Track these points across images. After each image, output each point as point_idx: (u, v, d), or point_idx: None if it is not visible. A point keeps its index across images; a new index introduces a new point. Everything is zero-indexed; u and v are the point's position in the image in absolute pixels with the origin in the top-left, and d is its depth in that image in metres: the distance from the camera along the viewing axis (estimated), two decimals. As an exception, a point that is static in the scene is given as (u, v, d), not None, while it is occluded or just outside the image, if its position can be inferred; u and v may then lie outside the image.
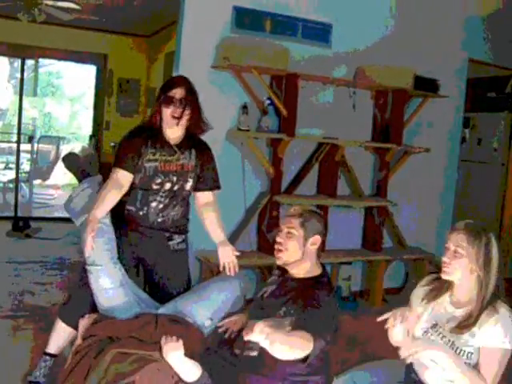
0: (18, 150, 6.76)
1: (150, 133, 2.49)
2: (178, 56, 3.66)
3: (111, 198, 2.39)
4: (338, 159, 4.04)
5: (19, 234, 5.48)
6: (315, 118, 4.03)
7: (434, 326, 1.99)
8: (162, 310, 2.36)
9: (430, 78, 4.22)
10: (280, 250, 2.16)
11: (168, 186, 2.50)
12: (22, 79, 6.78)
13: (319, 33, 4.01)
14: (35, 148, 7.30)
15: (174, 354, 2.00)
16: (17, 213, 6.37)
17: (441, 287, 2.03)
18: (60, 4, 5.05)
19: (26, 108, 7.60)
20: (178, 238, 2.61)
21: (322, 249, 2.22)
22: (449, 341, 1.92)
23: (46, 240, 5.37)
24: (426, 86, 4.20)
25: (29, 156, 7.47)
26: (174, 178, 2.50)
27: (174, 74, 3.73)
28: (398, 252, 4.38)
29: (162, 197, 2.50)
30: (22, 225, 5.58)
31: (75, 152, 3.02)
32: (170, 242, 2.58)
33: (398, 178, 4.35)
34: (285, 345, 1.81)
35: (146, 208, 2.49)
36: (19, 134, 6.71)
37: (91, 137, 7.91)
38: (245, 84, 3.79)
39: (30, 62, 7.89)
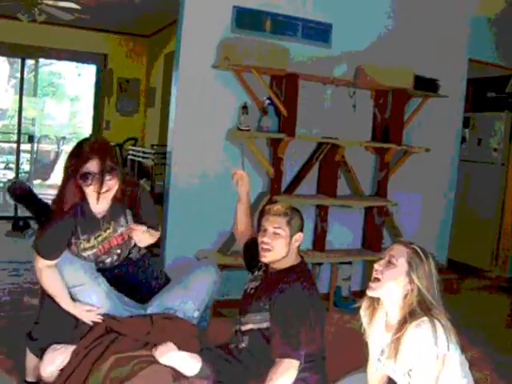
0: (18, 150, 6.77)
1: (75, 214, 2.19)
2: (178, 56, 3.66)
3: (59, 285, 2.20)
4: (338, 159, 4.03)
5: (19, 234, 5.48)
6: (315, 118, 4.03)
7: (382, 352, 1.94)
8: (150, 310, 2.34)
9: (430, 78, 4.22)
10: (267, 250, 2.17)
11: (115, 258, 2.37)
12: (21, 79, 6.78)
13: (319, 33, 4.01)
14: (35, 148, 7.30)
15: (168, 355, 2.01)
16: (17, 213, 6.37)
17: (372, 307, 1.97)
18: (60, 4, 5.04)
19: (26, 108, 7.59)
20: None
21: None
22: (392, 370, 1.88)
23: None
24: (426, 86, 4.19)
25: (29, 156, 7.47)
26: (118, 251, 2.35)
27: (174, 74, 3.73)
28: (398, 252, 4.38)
29: (112, 264, 2.39)
30: (21, 225, 5.58)
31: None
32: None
33: (398, 178, 4.34)
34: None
35: (100, 264, 2.38)
36: (19, 134, 6.72)
37: (91, 137, 7.90)
38: (245, 84, 3.79)
39: (29, 62, 7.87)
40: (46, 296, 2.30)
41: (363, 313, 2.01)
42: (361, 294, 4.37)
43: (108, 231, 2.27)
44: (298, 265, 2.23)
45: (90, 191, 2.15)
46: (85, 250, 2.26)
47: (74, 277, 2.22)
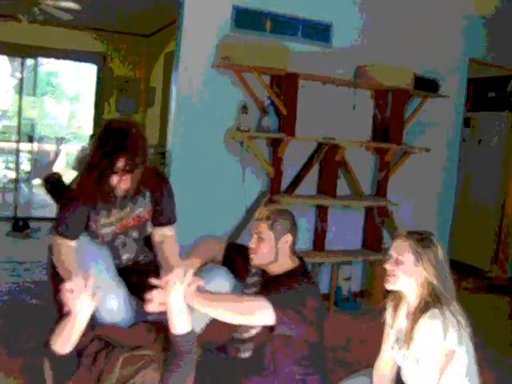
0: (18, 150, 6.76)
1: (97, 192, 2.16)
2: (178, 56, 3.66)
3: (73, 261, 2.14)
4: (338, 159, 4.03)
5: (19, 234, 5.48)
6: (315, 118, 4.03)
7: (396, 340, 1.99)
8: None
9: (430, 77, 4.22)
10: (253, 254, 2.18)
11: (130, 239, 2.38)
12: (21, 79, 6.78)
13: (319, 32, 4.01)
14: (35, 148, 7.30)
15: (176, 294, 1.88)
16: (16, 213, 6.37)
17: (397, 298, 2.03)
18: (60, 4, 5.05)
19: (26, 108, 7.59)
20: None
21: (294, 244, 2.23)
22: (403, 356, 1.93)
23: (46, 240, 5.37)
24: (426, 85, 4.19)
25: (29, 156, 7.47)
26: (134, 233, 2.37)
27: (174, 74, 3.73)
28: (398, 252, 4.38)
29: (129, 247, 2.39)
30: (22, 225, 5.58)
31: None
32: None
33: (398, 178, 4.35)
34: (225, 307, 1.95)
35: (117, 261, 2.38)
36: (19, 133, 6.72)
37: (91, 136, 7.90)
38: (245, 84, 3.79)
39: (29, 62, 7.87)
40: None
41: (388, 304, 2.07)
42: (361, 294, 4.41)
43: (126, 210, 2.29)
44: (296, 269, 2.20)
45: (115, 184, 2.15)
46: (103, 226, 2.25)
47: (97, 277, 2.10)
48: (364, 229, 4.39)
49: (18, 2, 5.05)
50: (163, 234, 2.38)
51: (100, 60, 7.57)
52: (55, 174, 2.65)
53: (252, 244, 2.19)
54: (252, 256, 2.19)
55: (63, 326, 1.85)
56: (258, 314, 1.98)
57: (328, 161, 4.05)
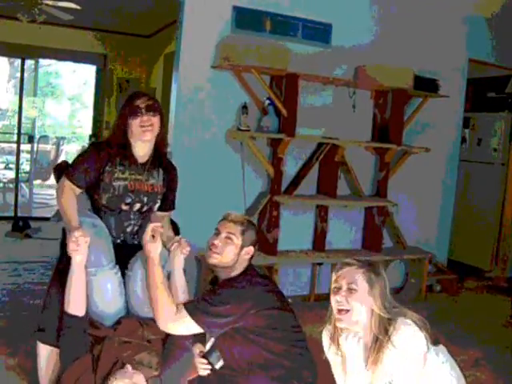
0: (18, 150, 6.76)
1: (118, 149, 2.33)
2: (178, 56, 3.66)
3: (73, 205, 2.22)
4: (338, 159, 4.03)
5: (19, 234, 5.48)
6: (315, 118, 4.03)
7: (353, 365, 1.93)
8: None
9: (430, 77, 4.22)
10: (216, 253, 2.16)
11: (137, 206, 2.39)
12: (21, 79, 6.78)
13: (319, 33, 4.01)
14: (35, 148, 7.30)
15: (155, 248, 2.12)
16: (17, 213, 6.37)
17: (332, 329, 1.95)
18: (60, 4, 5.05)
19: (26, 108, 7.60)
20: None
21: (251, 259, 2.25)
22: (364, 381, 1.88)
23: (45, 240, 5.37)
24: (426, 85, 4.19)
25: (29, 156, 7.47)
26: (145, 199, 2.40)
27: (174, 74, 3.73)
28: (398, 252, 4.38)
29: (134, 219, 2.41)
30: (21, 225, 5.58)
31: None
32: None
33: (398, 178, 4.35)
34: (155, 285, 2.07)
35: (122, 235, 2.41)
36: (19, 134, 6.71)
37: (91, 137, 7.91)
38: (245, 84, 3.79)
39: (29, 62, 7.88)
40: (53, 283, 2.31)
41: (328, 343, 2.00)
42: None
43: (141, 176, 2.37)
44: (242, 272, 2.19)
45: (136, 127, 2.29)
46: (117, 179, 2.32)
47: (96, 256, 2.19)
48: (364, 229, 4.39)
49: (18, 2, 5.04)
50: (160, 215, 2.48)
51: (100, 60, 7.57)
52: (63, 162, 2.67)
53: (216, 240, 2.17)
54: (213, 255, 2.16)
55: (67, 284, 2.06)
56: (177, 326, 2.05)
57: (328, 161, 4.05)
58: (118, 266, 2.28)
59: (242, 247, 2.17)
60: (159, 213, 2.48)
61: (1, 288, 3.89)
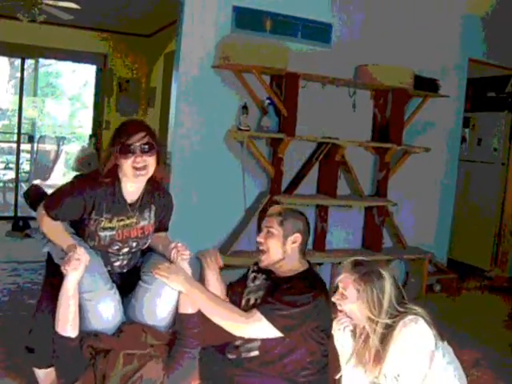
0: (18, 150, 6.76)
1: (106, 189, 2.10)
2: (178, 56, 3.66)
3: (58, 227, 2.09)
4: (338, 159, 4.03)
5: (19, 233, 5.47)
6: (315, 118, 4.03)
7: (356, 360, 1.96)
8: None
9: (430, 77, 4.22)
10: (262, 251, 2.18)
11: (126, 250, 2.23)
12: (21, 79, 6.78)
13: (319, 32, 4.01)
14: (35, 148, 7.30)
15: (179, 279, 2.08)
16: (17, 213, 6.37)
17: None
18: (60, 4, 5.04)
19: (26, 108, 7.59)
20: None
21: (304, 247, 2.23)
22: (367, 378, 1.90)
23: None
24: (426, 85, 4.20)
25: (29, 156, 7.47)
26: (134, 244, 2.22)
27: (174, 74, 3.73)
28: (398, 252, 4.38)
29: (122, 256, 2.25)
30: (21, 225, 5.58)
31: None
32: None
33: (398, 178, 4.35)
34: (208, 305, 2.05)
35: (109, 266, 2.23)
36: (19, 133, 6.71)
37: (91, 136, 7.91)
38: (245, 84, 3.79)
39: (29, 62, 7.88)
40: (42, 302, 2.23)
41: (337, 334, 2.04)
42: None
43: (131, 220, 2.18)
44: (304, 271, 2.18)
45: (128, 167, 2.06)
46: (104, 229, 2.13)
47: (90, 281, 2.04)
48: (364, 229, 4.39)
49: (18, 2, 5.04)
50: (157, 235, 2.35)
51: (100, 60, 7.57)
52: (33, 186, 2.56)
53: (260, 238, 2.20)
54: (262, 257, 2.18)
55: (58, 304, 1.94)
56: (250, 329, 2.03)
57: (328, 161, 4.05)
58: (115, 288, 2.15)
59: (285, 237, 2.16)
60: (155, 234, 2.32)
61: (1, 288, 3.89)
